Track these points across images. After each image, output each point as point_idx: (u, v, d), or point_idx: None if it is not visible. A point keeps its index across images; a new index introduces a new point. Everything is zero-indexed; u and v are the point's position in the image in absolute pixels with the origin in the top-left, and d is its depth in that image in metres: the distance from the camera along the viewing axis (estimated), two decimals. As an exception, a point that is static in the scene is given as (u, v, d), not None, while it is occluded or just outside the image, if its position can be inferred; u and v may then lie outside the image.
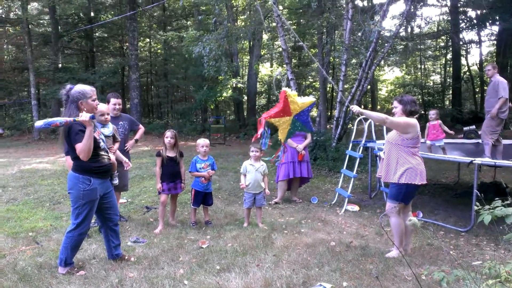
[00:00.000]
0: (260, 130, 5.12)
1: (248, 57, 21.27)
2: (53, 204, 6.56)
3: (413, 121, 4.23)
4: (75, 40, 22.78)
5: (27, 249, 4.39)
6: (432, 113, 6.46)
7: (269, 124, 5.23)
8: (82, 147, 3.51)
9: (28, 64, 18.44)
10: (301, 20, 17.45)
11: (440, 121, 6.37)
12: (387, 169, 4.31)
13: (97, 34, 23.86)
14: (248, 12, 14.88)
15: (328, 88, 21.41)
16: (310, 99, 5.28)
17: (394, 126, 4.28)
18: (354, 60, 10.99)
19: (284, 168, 6.74)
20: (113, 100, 5.41)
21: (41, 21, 22.77)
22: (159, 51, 25.97)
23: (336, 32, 14.65)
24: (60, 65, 20.29)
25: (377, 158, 6.99)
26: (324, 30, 14.08)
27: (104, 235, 4.05)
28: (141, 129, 5.81)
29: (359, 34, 9.92)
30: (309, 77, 24.37)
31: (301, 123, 5.35)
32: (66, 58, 23.07)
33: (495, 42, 20.09)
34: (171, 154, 5.26)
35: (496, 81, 6.46)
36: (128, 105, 20.45)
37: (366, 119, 6.90)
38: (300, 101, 5.17)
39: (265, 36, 21.39)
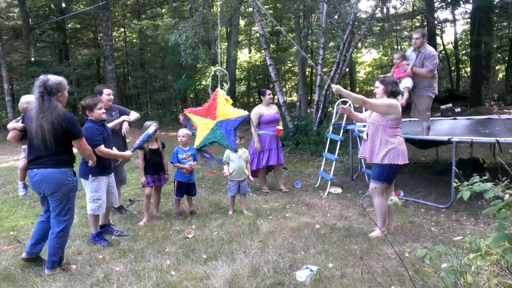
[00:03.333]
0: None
1: (226, 44, 21.06)
2: (33, 202, 6.44)
3: (394, 101, 4.26)
4: (47, 33, 22.08)
5: (9, 249, 4.31)
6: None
7: (189, 120, 4.62)
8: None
9: (-1, 59, 17.85)
10: (278, 4, 17.31)
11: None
12: (371, 151, 4.33)
13: (69, 25, 23.20)
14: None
15: (307, 73, 21.39)
16: (243, 112, 4.63)
17: (374, 108, 4.30)
18: (331, 43, 10.98)
19: (258, 157, 6.54)
20: (106, 91, 5.20)
21: (11, 14, 22.02)
22: (134, 40, 25.47)
23: (313, 15, 14.58)
24: (33, 59, 19.72)
25: (358, 139, 7.06)
26: (301, 14, 13.99)
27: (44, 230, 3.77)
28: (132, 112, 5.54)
29: (336, 16, 9.90)
30: (288, 62, 24.30)
31: (222, 132, 4.54)
32: (38, 52, 22.43)
33: (469, 20, 20.33)
34: (153, 146, 5.20)
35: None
36: (106, 97, 20.06)
37: (346, 102, 6.92)
38: (231, 109, 4.58)
39: (242, 22, 21.19)
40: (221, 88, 4.59)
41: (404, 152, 4.25)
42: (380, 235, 4.20)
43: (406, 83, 5.68)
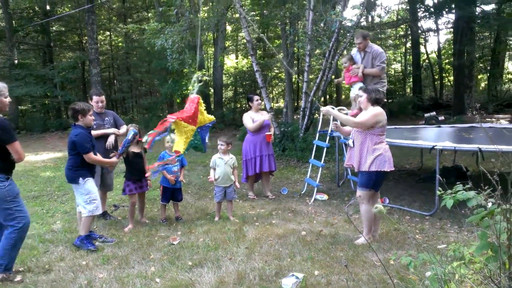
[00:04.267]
0: (161, 132, 4.50)
1: (213, 49, 21.04)
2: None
3: (379, 110, 4.30)
4: (31, 35, 21.81)
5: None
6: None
7: (173, 127, 4.56)
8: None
9: (-19, 61, 17.55)
10: (264, 11, 17.40)
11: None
12: (359, 159, 4.34)
13: (54, 28, 22.93)
14: (210, 3, 14.68)
15: (294, 79, 21.57)
16: (212, 117, 4.92)
17: (364, 125, 4.28)
18: (317, 51, 11.07)
19: (251, 163, 6.56)
20: (95, 98, 5.23)
21: (-7, 16, 21.69)
22: (120, 44, 25.29)
23: (299, 22, 14.67)
24: (16, 61, 19.43)
25: (344, 146, 7.10)
26: (287, 21, 14.08)
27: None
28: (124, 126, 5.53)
29: (322, 24, 9.99)
30: (275, 68, 24.39)
31: (200, 138, 4.84)
32: (22, 54, 22.09)
33: (451, 29, 20.74)
34: (136, 149, 5.13)
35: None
36: (91, 101, 19.83)
37: (342, 109, 6.90)
38: (206, 115, 4.82)
39: (229, 28, 21.23)
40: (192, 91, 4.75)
41: (390, 159, 4.30)
42: (366, 242, 4.23)
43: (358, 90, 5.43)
